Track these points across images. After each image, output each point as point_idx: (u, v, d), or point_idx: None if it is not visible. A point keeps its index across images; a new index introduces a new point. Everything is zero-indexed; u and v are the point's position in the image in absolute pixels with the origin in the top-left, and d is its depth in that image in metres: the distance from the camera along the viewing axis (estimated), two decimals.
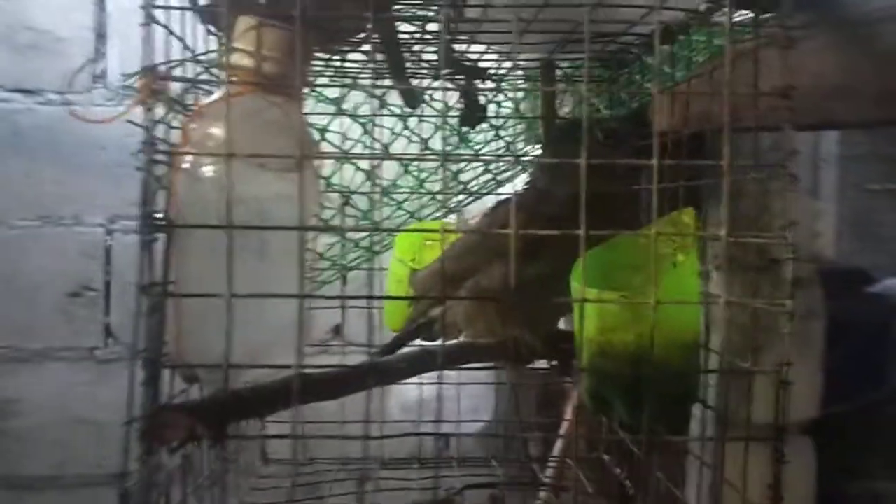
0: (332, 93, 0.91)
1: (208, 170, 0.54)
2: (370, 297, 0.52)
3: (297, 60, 0.51)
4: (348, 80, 0.91)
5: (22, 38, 1.53)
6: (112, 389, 1.53)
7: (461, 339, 0.75)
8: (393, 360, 0.63)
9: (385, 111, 0.90)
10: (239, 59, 0.56)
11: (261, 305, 0.54)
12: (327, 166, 0.91)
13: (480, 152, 0.92)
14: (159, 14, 0.53)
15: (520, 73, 0.88)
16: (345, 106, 0.92)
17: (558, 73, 0.87)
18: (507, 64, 0.84)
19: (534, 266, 0.71)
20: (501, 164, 0.95)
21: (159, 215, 0.54)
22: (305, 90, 0.73)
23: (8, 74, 1.53)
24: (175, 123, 0.54)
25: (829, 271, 1.22)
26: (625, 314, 0.63)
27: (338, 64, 0.85)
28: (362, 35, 0.75)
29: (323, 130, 0.89)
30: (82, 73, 1.55)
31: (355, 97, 0.93)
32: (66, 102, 1.54)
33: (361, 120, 0.93)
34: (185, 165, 0.55)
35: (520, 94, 0.92)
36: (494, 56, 0.83)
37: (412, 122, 0.96)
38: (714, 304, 0.59)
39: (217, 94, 0.58)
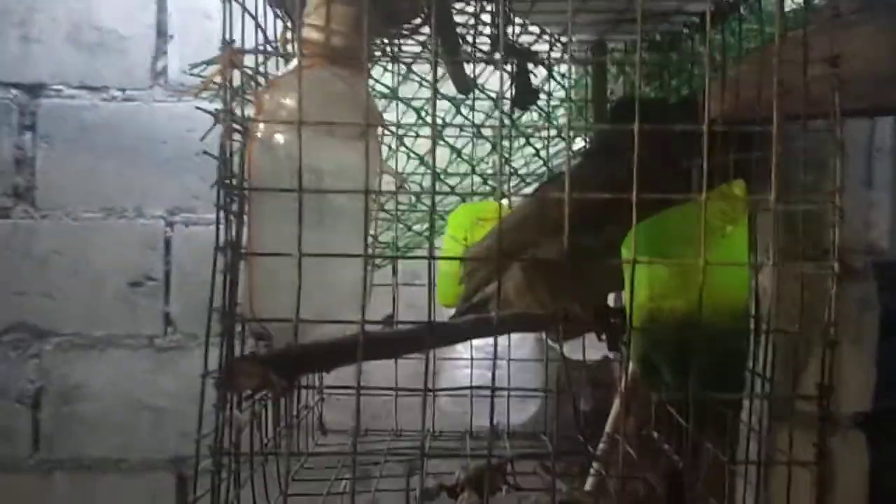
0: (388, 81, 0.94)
1: (280, 138, 0.58)
2: (429, 257, 0.54)
3: (363, 34, 0.54)
4: (403, 69, 0.94)
5: (88, 37, 1.60)
6: (171, 377, 1.59)
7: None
8: (450, 324, 0.66)
9: (439, 97, 0.93)
10: (309, 34, 0.60)
11: (327, 267, 0.57)
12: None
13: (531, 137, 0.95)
14: None
15: (571, 56, 0.91)
16: (400, 93, 0.95)
17: (609, 56, 0.89)
18: (559, 48, 0.87)
19: (588, 238, 0.73)
20: (552, 147, 0.98)
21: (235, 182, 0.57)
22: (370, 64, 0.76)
23: (74, 72, 1.60)
24: (250, 97, 0.58)
25: (884, 263, 1.22)
26: (674, 281, 0.65)
27: (394, 51, 0.88)
28: (419, 20, 0.78)
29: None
30: (144, 70, 1.60)
31: (411, 86, 0.96)
32: (129, 99, 1.60)
33: (416, 106, 0.96)
34: (259, 134, 0.58)
35: (572, 79, 0.95)
36: (546, 40, 0.85)
37: (465, 109, 0.99)
38: (763, 266, 0.60)
39: (289, 68, 0.61)
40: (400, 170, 0.98)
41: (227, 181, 0.55)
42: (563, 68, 0.90)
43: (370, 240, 0.65)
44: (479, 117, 0.95)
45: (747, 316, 0.67)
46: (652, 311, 0.67)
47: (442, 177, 0.97)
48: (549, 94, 0.92)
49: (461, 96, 0.96)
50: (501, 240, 0.80)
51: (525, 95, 0.88)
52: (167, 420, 1.58)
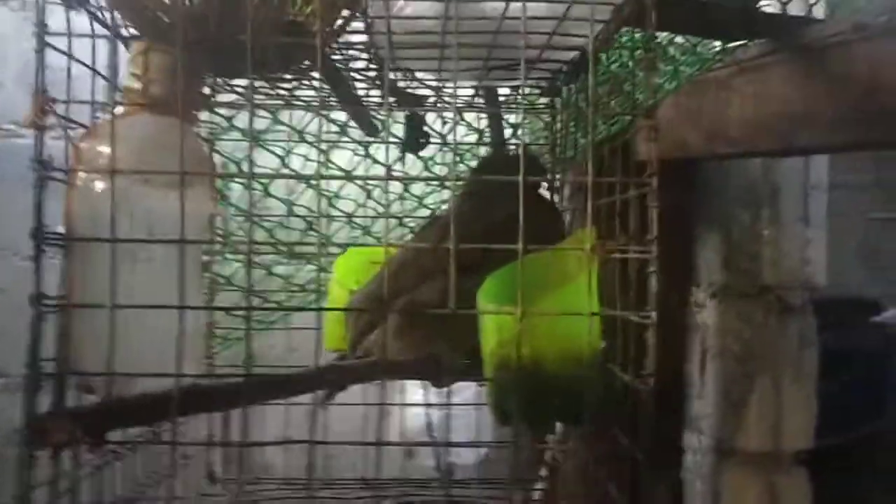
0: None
1: (99, 186, 0.58)
2: (283, 309, 0.54)
3: (179, 82, 0.54)
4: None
5: None
6: None
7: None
8: (284, 375, 0.65)
9: (337, 137, 0.93)
10: (129, 81, 0.60)
11: (150, 318, 0.56)
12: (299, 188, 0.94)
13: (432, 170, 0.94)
14: (60, 40, 0.56)
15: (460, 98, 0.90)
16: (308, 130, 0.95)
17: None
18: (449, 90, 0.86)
19: (464, 282, 0.72)
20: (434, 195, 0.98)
21: (54, 230, 0.57)
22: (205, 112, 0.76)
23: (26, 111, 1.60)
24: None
25: (823, 300, 1.20)
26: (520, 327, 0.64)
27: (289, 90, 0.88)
28: (303, 66, 0.78)
29: (284, 155, 0.92)
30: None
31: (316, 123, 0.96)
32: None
33: (322, 146, 0.96)
34: (79, 182, 0.58)
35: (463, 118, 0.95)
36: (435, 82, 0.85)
37: (372, 147, 0.98)
38: (585, 316, 0.59)
39: (109, 115, 0.61)
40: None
41: (39, 230, 0.55)
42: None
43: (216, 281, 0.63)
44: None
45: (594, 362, 0.65)
46: (502, 358, 0.65)
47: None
48: (444, 139, 0.92)
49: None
50: (380, 288, 0.80)
51: (416, 140, 0.88)
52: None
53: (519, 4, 0.56)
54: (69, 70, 0.55)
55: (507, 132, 0.93)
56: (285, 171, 0.82)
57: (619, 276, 0.65)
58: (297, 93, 0.87)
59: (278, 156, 0.89)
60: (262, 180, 0.91)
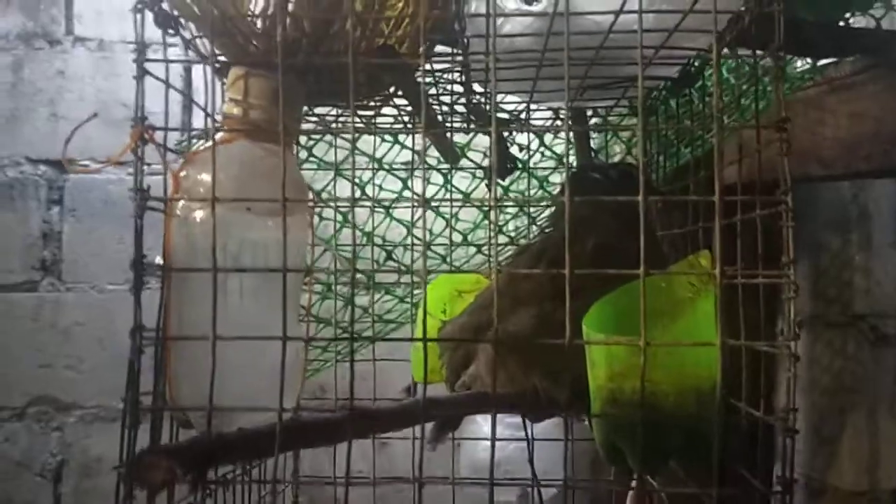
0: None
1: (198, 216, 0.56)
2: (384, 339, 0.51)
3: (281, 107, 0.52)
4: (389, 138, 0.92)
5: (115, 114, 1.63)
6: None
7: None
8: (384, 409, 0.62)
9: (423, 165, 0.91)
10: (229, 108, 0.58)
11: (256, 350, 0.54)
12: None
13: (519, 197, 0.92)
14: (158, 68, 0.55)
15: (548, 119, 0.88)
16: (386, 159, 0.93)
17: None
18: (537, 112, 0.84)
19: (560, 311, 0.69)
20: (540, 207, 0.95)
21: (154, 261, 0.55)
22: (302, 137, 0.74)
23: (102, 148, 1.62)
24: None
25: None
26: (634, 359, 0.60)
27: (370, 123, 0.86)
28: (388, 93, 0.76)
29: (362, 185, 0.91)
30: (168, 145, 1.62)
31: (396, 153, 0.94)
32: (153, 172, 1.62)
33: (402, 175, 0.94)
34: (178, 212, 0.56)
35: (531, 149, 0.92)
36: (519, 109, 0.83)
37: (454, 176, 0.96)
38: (713, 345, 0.55)
39: (209, 143, 0.60)
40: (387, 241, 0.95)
41: (139, 260, 0.53)
42: (549, 136, 0.87)
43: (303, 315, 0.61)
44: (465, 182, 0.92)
45: (714, 396, 0.61)
46: (613, 392, 0.62)
47: (430, 248, 0.94)
48: (527, 162, 0.89)
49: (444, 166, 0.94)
50: (471, 319, 0.77)
51: (504, 164, 0.85)
52: None
53: (630, 17, 0.53)
54: (167, 97, 0.53)
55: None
56: (365, 199, 0.80)
57: (736, 303, 0.61)
58: (378, 120, 0.85)
59: (358, 185, 0.87)
60: (342, 208, 0.89)
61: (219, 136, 0.58)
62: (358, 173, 0.85)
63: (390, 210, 0.87)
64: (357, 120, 0.84)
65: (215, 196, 0.51)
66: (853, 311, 1.18)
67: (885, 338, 1.20)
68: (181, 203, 0.56)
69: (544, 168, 0.94)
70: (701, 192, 0.77)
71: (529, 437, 0.81)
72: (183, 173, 0.56)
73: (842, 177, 1.09)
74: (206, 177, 0.55)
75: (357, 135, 0.80)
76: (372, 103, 0.77)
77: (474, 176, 0.92)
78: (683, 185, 0.84)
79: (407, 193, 0.86)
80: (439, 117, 0.86)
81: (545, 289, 0.72)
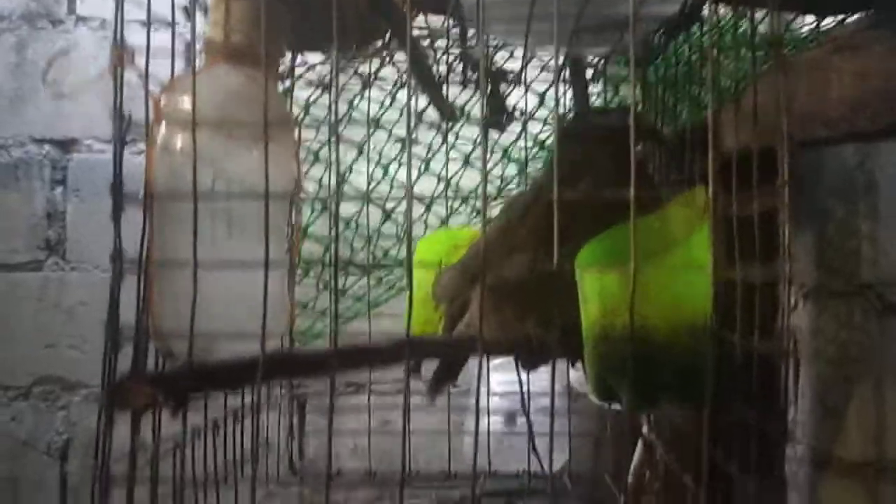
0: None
1: (179, 143, 0.55)
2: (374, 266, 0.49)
3: (263, 31, 0.51)
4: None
5: None
6: None
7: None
8: (369, 345, 0.61)
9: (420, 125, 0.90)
10: (211, 32, 0.57)
11: (244, 282, 0.53)
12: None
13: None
14: None
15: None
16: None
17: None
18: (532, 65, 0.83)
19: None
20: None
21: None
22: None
23: (104, 127, 1.62)
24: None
25: None
26: (626, 294, 0.59)
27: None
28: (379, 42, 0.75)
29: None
30: None
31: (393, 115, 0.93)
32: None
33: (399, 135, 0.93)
34: (158, 139, 0.56)
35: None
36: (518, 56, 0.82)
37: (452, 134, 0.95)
38: (705, 274, 0.54)
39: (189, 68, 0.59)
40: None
41: (117, 186, 0.52)
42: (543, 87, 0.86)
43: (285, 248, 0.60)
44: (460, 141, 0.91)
45: (707, 331, 0.60)
46: (605, 328, 0.60)
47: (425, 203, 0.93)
48: (525, 113, 0.88)
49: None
50: (466, 267, 0.76)
51: (499, 116, 0.84)
52: None
53: None
54: (149, 19, 0.52)
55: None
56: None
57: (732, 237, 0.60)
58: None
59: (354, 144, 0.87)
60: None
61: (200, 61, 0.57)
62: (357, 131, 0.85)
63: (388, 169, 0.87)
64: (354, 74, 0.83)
65: (195, 122, 0.50)
66: (859, 281, 1.16)
67: (893, 307, 1.18)
68: (162, 131, 0.55)
69: (541, 123, 0.92)
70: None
71: (524, 387, 0.80)
72: (163, 99, 0.56)
73: (848, 137, 1.08)
74: (186, 103, 0.54)
75: (347, 85, 0.79)
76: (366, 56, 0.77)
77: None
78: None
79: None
80: (435, 71, 0.86)
81: (540, 234, 0.71)
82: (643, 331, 0.58)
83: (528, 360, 0.72)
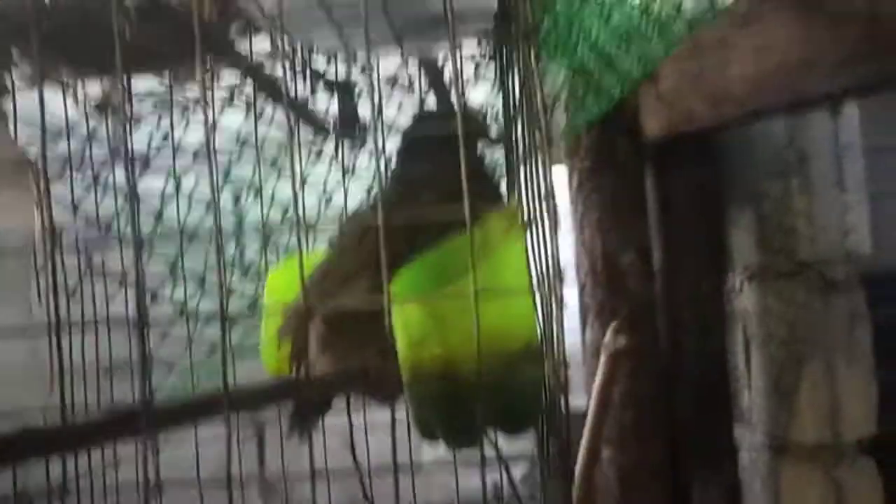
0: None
1: None
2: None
3: None
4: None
5: None
6: None
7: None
8: (182, 403, 0.55)
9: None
10: None
11: None
12: None
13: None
14: None
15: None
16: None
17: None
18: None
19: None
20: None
21: None
22: None
23: None
24: None
25: (871, 272, 1.07)
26: (429, 324, 0.53)
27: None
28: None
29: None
30: None
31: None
32: None
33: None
34: None
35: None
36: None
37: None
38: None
39: None
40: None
41: None
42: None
43: None
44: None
45: (526, 356, 0.54)
46: (413, 363, 0.55)
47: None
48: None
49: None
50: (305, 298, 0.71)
51: (348, 124, 0.80)
52: None
53: None
54: None
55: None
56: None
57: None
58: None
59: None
60: None
61: None
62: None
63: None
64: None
65: None
66: (799, 259, 1.12)
67: (835, 284, 1.13)
68: None
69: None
70: None
71: None
72: None
73: (756, 114, 1.04)
74: None
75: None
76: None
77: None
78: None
79: None
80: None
81: (378, 257, 0.66)
82: (450, 365, 0.52)
83: (375, 395, 0.66)
